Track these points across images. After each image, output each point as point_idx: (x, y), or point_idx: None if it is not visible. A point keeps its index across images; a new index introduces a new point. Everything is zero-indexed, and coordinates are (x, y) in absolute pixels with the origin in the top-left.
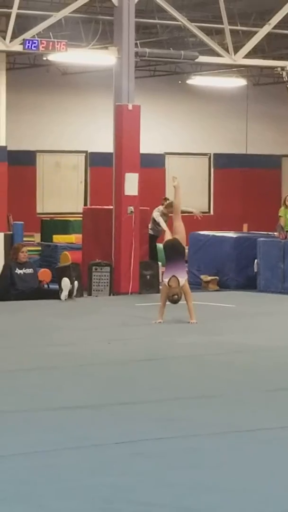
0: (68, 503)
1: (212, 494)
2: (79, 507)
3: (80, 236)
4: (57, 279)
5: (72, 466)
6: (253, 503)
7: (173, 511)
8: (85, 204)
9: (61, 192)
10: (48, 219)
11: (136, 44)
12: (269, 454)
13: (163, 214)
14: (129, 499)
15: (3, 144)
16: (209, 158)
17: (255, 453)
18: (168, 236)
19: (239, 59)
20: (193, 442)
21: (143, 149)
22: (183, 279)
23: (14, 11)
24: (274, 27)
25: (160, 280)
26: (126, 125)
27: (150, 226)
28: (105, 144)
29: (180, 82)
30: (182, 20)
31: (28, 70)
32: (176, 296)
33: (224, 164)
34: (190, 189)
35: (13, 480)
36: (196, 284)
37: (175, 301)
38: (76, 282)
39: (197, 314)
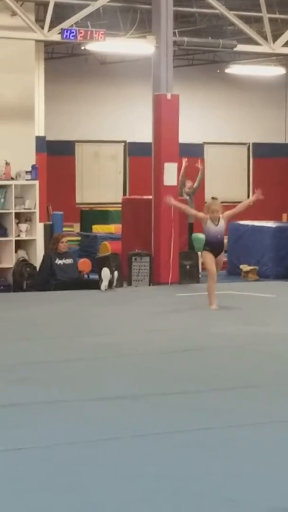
0: (111, 494)
1: (252, 484)
2: (122, 497)
3: (119, 226)
4: (97, 269)
5: (113, 457)
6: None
7: (214, 502)
8: (124, 194)
9: (100, 182)
10: (88, 209)
11: (174, 33)
12: None
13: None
14: (171, 490)
15: (42, 134)
16: (248, 148)
17: None
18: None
19: (278, 47)
20: (233, 432)
21: (182, 139)
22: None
23: (52, 0)
24: None
25: (200, 270)
26: (164, 115)
27: None
28: (144, 134)
29: (218, 71)
30: (220, 8)
31: (66, 60)
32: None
33: (263, 154)
34: (228, 178)
35: (55, 471)
36: (235, 274)
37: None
38: (116, 272)
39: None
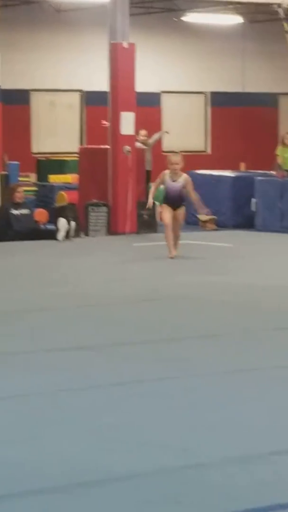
0: (70, 444)
1: (211, 433)
2: (81, 447)
3: (76, 176)
4: (53, 220)
5: (73, 408)
6: (251, 442)
7: (173, 451)
8: (81, 143)
9: (57, 131)
10: (44, 159)
11: None
12: (267, 393)
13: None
14: (130, 439)
15: None
16: (206, 97)
17: (256, 392)
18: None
19: None
20: (193, 382)
21: (139, 88)
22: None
23: None
24: None
25: (158, 219)
26: (121, 64)
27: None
28: (100, 83)
29: (175, 19)
30: None
31: (21, 7)
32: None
33: (220, 103)
34: (186, 128)
35: (15, 422)
36: (193, 224)
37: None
38: (73, 222)
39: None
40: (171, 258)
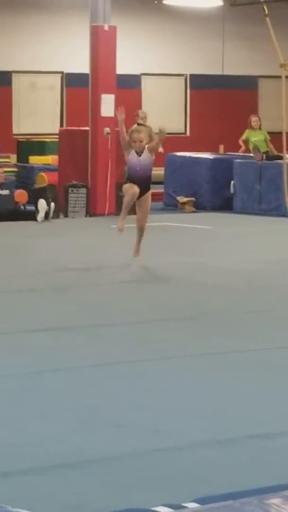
0: (45, 426)
1: (185, 416)
2: (56, 429)
3: (56, 157)
4: (33, 201)
5: (48, 389)
6: (226, 425)
7: (149, 433)
8: (61, 125)
9: (37, 113)
10: (24, 140)
11: None
12: (243, 376)
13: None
14: (106, 421)
15: None
16: (186, 79)
17: (230, 376)
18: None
19: None
20: (168, 364)
21: (119, 70)
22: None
23: None
24: None
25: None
26: (102, 46)
27: None
28: (81, 64)
29: (156, 2)
30: None
31: None
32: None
33: (200, 85)
34: (166, 110)
35: None
36: (172, 206)
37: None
38: (52, 204)
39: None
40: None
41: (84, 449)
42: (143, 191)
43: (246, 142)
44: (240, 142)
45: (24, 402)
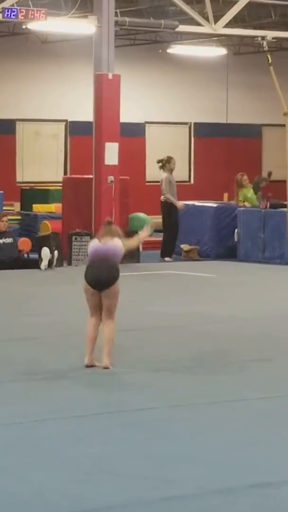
0: (49, 475)
1: (190, 465)
2: (60, 478)
3: (60, 205)
4: (37, 249)
5: (53, 437)
6: (230, 474)
7: (153, 482)
8: (65, 173)
9: (41, 161)
10: (28, 188)
11: (116, 13)
12: (246, 424)
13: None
14: (109, 470)
15: None
16: (190, 127)
17: (236, 424)
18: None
19: (220, 28)
20: (172, 412)
21: (123, 118)
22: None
23: None
24: None
25: (140, 249)
26: (106, 94)
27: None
28: (85, 113)
29: (160, 51)
30: None
31: (7, 38)
32: None
33: (204, 133)
34: None
35: None
36: (176, 254)
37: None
38: (56, 252)
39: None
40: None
41: (88, 499)
42: (103, 284)
43: (242, 202)
44: (239, 203)
45: (26, 451)
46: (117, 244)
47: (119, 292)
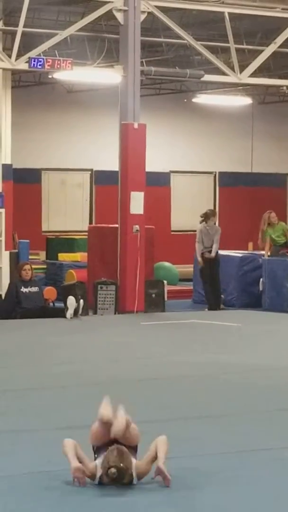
0: None
1: None
2: None
3: (85, 254)
4: (62, 298)
5: (79, 488)
6: None
7: None
8: (90, 222)
9: (67, 210)
10: (53, 237)
11: (141, 62)
12: (272, 474)
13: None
14: None
15: (9, 162)
16: (215, 176)
17: (264, 474)
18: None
19: (245, 77)
20: (199, 462)
21: (149, 167)
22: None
23: (20, 29)
24: (280, 46)
25: (166, 299)
26: (131, 144)
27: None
28: (110, 162)
29: (185, 100)
30: (187, 38)
31: (33, 88)
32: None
33: (229, 183)
34: (195, 207)
35: (19, 501)
36: (201, 303)
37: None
38: (81, 301)
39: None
40: None
41: None
42: None
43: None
44: (261, 244)
45: (52, 500)
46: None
47: None
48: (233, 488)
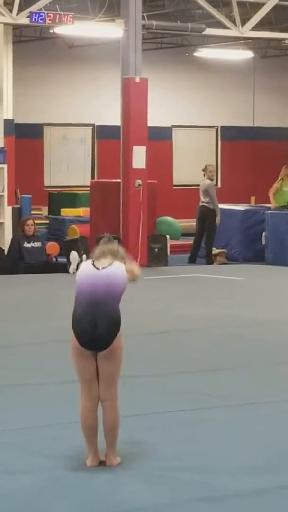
0: (78, 474)
1: (219, 465)
2: (88, 477)
3: (87, 209)
4: (65, 253)
5: (81, 439)
6: (260, 475)
7: (182, 485)
8: (93, 177)
9: (69, 165)
10: (56, 192)
11: (143, 16)
12: (276, 426)
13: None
14: (138, 473)
15: (10, 117)
16: (217, 131)
17: (266, 426)
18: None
19: (246, 31)
20: (202, 414)
21: (150, 122)
22: None
23: None
24: None
25: (168, 254)
26: (133, 98)
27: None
28: (112, 117)
29: (187, 54)
30: None
31: (34, 43)
32: None
33: (231, 137)
34: (197, 162)
35: (23, 454)
36: (203, 257)
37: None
38: (84, 256)
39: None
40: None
41: (121, 500)
42: (98, 343)
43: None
44: (271, 197)
45: (54, 453)
46: (118, 271)
47: (123, 349)
48: (234, 440)
